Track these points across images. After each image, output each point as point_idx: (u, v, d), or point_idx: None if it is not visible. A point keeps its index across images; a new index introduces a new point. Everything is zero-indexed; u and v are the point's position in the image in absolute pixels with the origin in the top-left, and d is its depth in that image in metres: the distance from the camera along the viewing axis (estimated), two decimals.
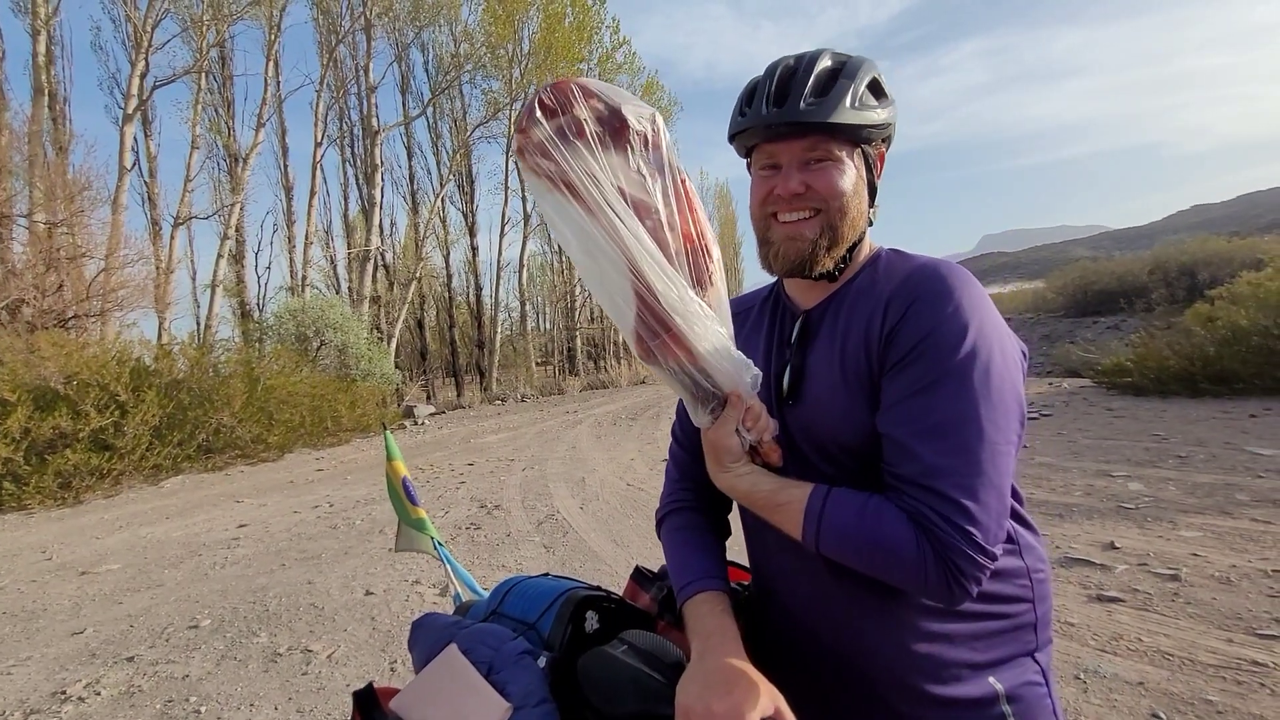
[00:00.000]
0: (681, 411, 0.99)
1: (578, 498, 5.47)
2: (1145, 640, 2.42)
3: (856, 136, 0.80)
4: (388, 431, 2.10)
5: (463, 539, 4.44)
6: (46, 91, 11.90)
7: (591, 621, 0.83)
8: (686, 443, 0.99)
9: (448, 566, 1.75)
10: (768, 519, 0.78)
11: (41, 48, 11.89)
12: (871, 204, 0.85)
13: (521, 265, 22.37)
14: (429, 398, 18.37)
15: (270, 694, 2.53)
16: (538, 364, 24.49)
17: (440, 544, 1.86)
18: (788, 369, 0.86)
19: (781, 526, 0.77)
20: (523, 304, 23.69)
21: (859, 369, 0.77)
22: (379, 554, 4.27)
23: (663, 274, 0.71)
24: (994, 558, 0.67)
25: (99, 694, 2.61)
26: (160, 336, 12.20)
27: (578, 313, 24.83)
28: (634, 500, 5.19)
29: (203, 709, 2.44)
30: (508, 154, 20.92)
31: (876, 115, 0.81)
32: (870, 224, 0.87)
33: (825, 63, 0.81)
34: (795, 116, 0.78)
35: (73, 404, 7.42)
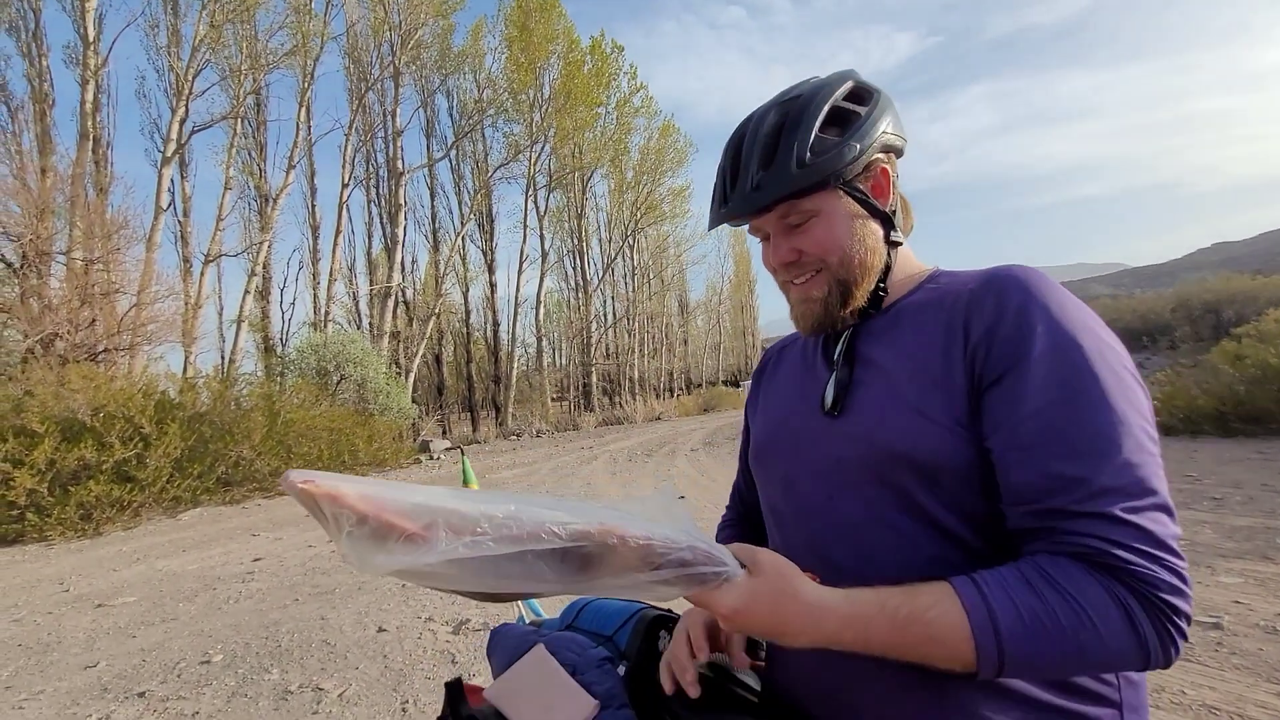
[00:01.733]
0: (743, 442, 1.02)
1: None
2: (1190, 694, 2.30)
3: (824, 185, 0.74)
4: (465, 457, 2.14)
5: None
6: (91, 136, 12.49)
7: (664, 640, 0.87)
8: (746, 475, 1.01)
9: None
10: (906, 655, 0.57)
11: (89, 96, 12.54)
12: (889, 226, 0.78)
13: (539, 302, 22.73)
14: (445, 433, 18.44)
15: None
16: (553, 399, 24.56)
17: None
18: (831, 382, 0.77)
19: (924, 657, 0.57)
20: (539, 340, 23.94)
21: (933, 373, 0.67)
22: (392, 590, 4.23)
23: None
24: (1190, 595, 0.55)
25: None
26: (185, 370, 12.46)
27: (594, 349, 24.98)
28: None
29: None
30: (527, 194, 21.46)
31: (841, 154, 0.73)
32: (898, 243, 0.80)
33: (771, 120, 0.75)
34: (746, 206, 0.75)
35: (99, 435, 7.55)
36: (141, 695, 2.89)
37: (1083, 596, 0.53)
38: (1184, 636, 0.54)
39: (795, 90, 0.78)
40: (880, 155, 0.77)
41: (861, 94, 0.78)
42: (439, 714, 0.79)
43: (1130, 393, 0.59)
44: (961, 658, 0.55)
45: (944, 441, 0.64)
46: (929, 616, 0.56)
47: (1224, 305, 15.48)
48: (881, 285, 0.78)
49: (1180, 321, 16.22)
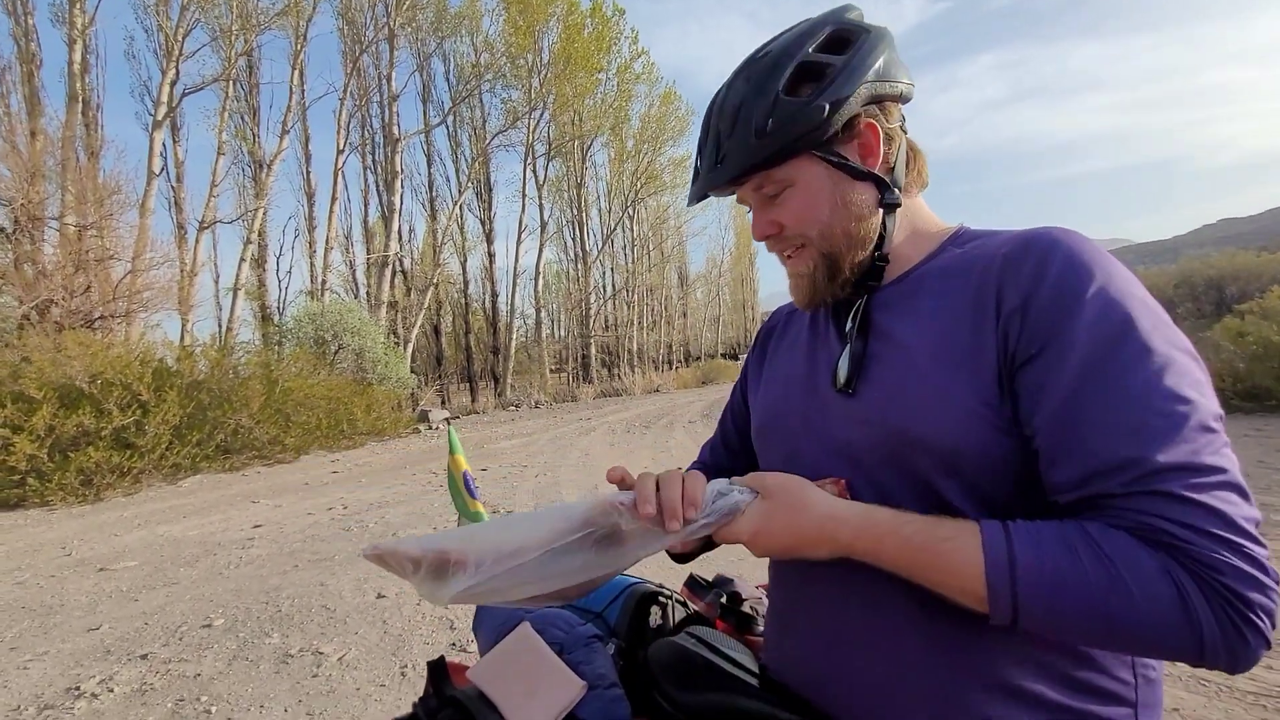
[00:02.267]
0: (733, 400, 0.98)
1: None
2: (1180, 664, 2.33)
3: (794, 154, 0.67)
4: (451, 428, 2.13)
5: None
6: (80, 98, 12.22)
7: (655, 616, 0.87)
8: (728, 437, 0.97)
9: None
10: (917, 577, 0.56)
11: (77, 56, 12.23)
12: (884, 187, 0.70)
13: (538, 272, 22.53)
14: (444, 403, 18.49)
15: (281, 695, 2.52)
16: (552, 371, 24.58)
17: None
18: (844, 356, 0.71)
19: (936, 585, 0.55)
20: (538, 311, 23.82)
21: (959, 348, 0.61)
22: None
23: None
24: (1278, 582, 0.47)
25: (112, 691, 2.62)
26: (182, 338, 12.42)
27: (592, 320, 24.90)
28: None
29: (213, 709, 2.44)
30: (526, 162, 21.13)
31: (808, 116, 0.65)
32: (896, 206, 0.71)
33: (737, 86, 0.70)
34: (711, 183, 0.72)
35: (96, 402, 7.55)
36: (144, 657, 2.93)
37: (1124, 561, 0.48)
38: (1261, 635, 0.46)
39: (765, 47, 0.71)
40: (865, 109, 0.68)
41: (841, 40, 0.69)
42: (421, 694, 0.77)
43: (1187, 367, 0.53)
44: (973, 593, 0.52)
45: (967, 425, 0.58)
46: (944, 547, 0.54)
47: (1227, 282, 15.41)
48: (879, 254, 0.71)
49: (1183, 298, 16.15)
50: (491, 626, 0.86)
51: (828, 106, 0.66)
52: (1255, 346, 7.70)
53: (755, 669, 0.77)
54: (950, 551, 0.53)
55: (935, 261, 0.70)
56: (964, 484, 0.59)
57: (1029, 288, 0.58)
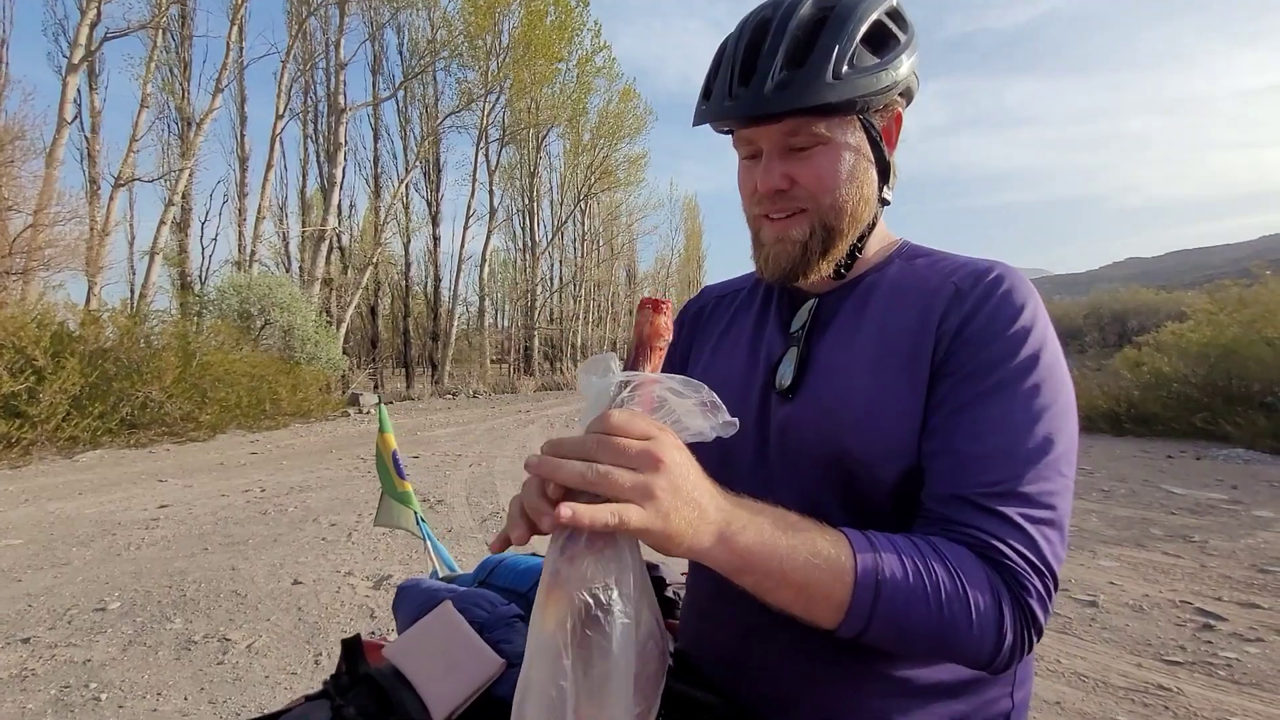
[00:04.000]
0: None
1: None
2: (1064, 662, 2.53)
3: (849, 110, 0.64)
4: (382, 405, 2.07)
5: (399, 533, 4.30)
6: None
7: None
8: None
9: (428, 542, 1.77)
10: (766, 595, 0.52)
11: None
12: (885, 181, 0.70)
13: (484, 260, 22.04)
14: (377, 387, 17.85)
15: (180, 683, 2.38)
16: (492, 361, 24.12)
17: (422, 519, 1.88)
18: (789, 357, 0.70)
19: (792, 605, 0.52)
20: (481, 299, 23.31)
21: (899, 363, 0.63)
22: (311, 543, 4.09)
23: None
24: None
25: None
26: (89, 301, 11.47)
27: (537, 312, 24.60)
28: None
29: (103, 695, 2.28)
30: (478, 146, 20.64)
31: (877, 80, 0.63)
32: (884, 203, 0.71)
33: (806, 11, 0.63)
34: (759, 108, 0.62)
35: None
36: (26, 641, 2.70)
37: (967, 574, 0.53)
38: (1029, 650, 0.55)
39: None
40: (899, 98, 0.68)
41: (899, 19, 0.67)
42: (333, 671, 0.76)
43: (1069, 417, 0.59)
44: (836, 610, 0.51)
45: (900, 437, 0.61)
46: (818, 550, 0.51)
47: (1130, 315, 16.78)
48: (859, 245, 0.70)
49: (1090, 328, 17.46)
50: (411, 606, 0.84)
51: (893, 77, 0.64)
52: (1149, 376, 8.42)
53: (671, 649, 0.78)
54: (817, 566, 0.51)
55: (884, 272, 0.71)
56: (884, 489, 0.62)
57: (968, 315, 0.62)
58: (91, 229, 12.05)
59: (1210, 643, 2.64)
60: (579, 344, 27.75)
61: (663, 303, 0.54)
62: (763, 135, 0.66)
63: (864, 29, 0.63)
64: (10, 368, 7.04)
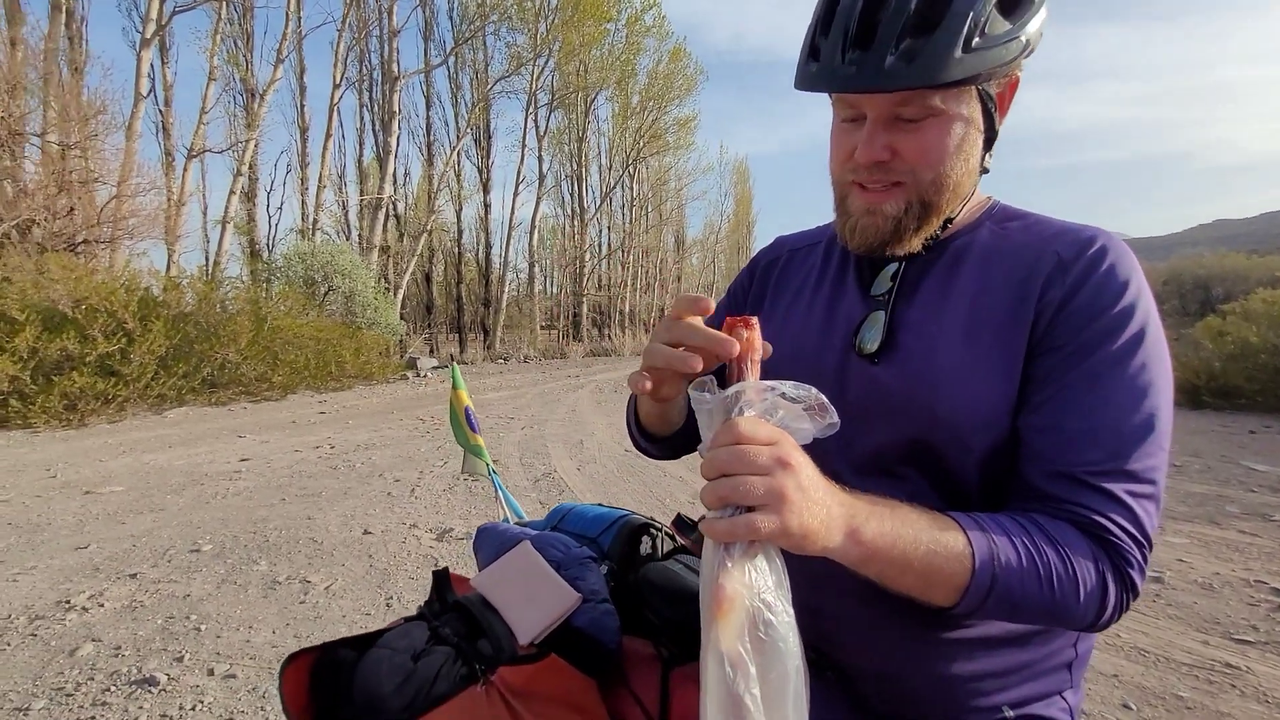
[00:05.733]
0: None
1: (575, 459, 5.53)
2: (1123, 636, 2.48)
3: (972, 82, 0.59)
4: (455, 364, 2.22)
5: (460, 489, 4.51)
6: (64, 9, 11.67)
7: (645, 545, 0.92)
8: None
9: (499, 492, 1.90)
10: (890, 583, 0.54)
11: None
12: (989, 149, 0.66)
13: (533, 227, 22.23)
14: (432, 351, 18.45)
15: (269, 618, 2.60)
16: (542, 327, 24.53)
17: (494, 471, 2.01)
18: (873, 321, 0.68)
19: (913, 589, 0.54)
20: (531, 266, 23.58)
21: (995, 331, 0.62)
22: (378, 496, 4.34)
23: None
24: None
25: (102, 606, 2.69)
26: (169, 268, 12.20)
27: (586, 279, 24.75)
28: (631, 466, 5.25)
29: (203, 627, 2.52)
30: (527, 111, 20.60)
31: (1007, 50, 0.58)
32: (984, 172, 0.68)
33: None
34: (880, 81, 0.57)
35: (80, 328, 7.47)
36: (133, 576, 3.00)
37: (1073, 551, 0.55)
38: (1126, 610, 0.59)
39: None
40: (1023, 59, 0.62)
41: None
42: (425, 599, 0.83)
43: (1167, 393, 0.60)
44: (954, 592, 0.54)
45: (992, 405, 0.60)
46: (941, 541, 0.54)
47: (1214, 282, 15.62)
48: (952, 216, 0.67)
49: (1170, 295, 16.36)
50: (491, 546, 0.92)
51: (1024, 43, 0.59)
52: (1233, 347, 7.87)
53: None
54: (939, 554, 0.53)
55: (975, 235, 0.68)
56: (969, 459, 0.61)
57: (1072, 289, 0.61)
58: (169, 199, 12.74)
59: None
60: (627, 310, 27.83)
61: (752, 319, 0.55)
62: (870, 102, 0.62)
63: None
64: (104, 330, 7.61)
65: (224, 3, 14.32)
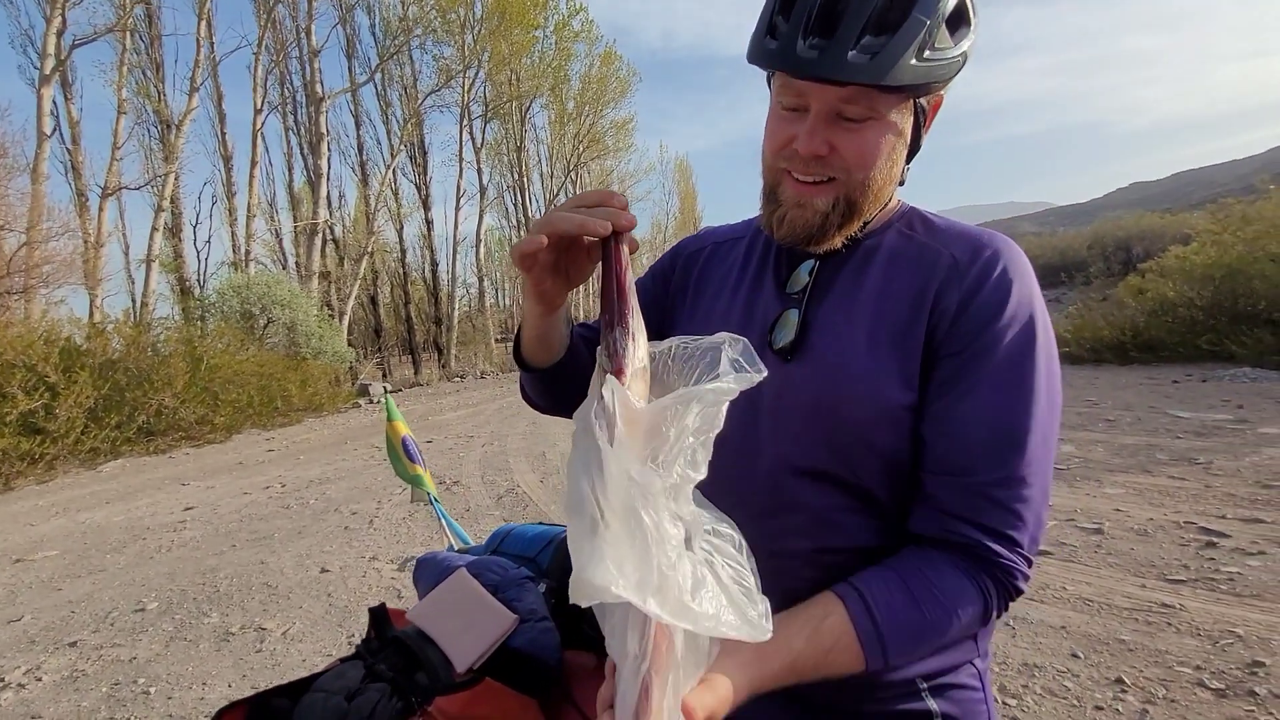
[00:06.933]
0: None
1: (538, 471, 5.48)
2: (1069, 589, 2.60)
3: (915, 92, 0.62)
4: (388, 395, 2.17)
5: (420, 517, 4.41)
6: None
7: None
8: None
9: (443, 520, 1.89)
10: (808, 679, 0.57)
11: None
12: (908, 163, 0.69)
13: (479, 240, 21.92)
14: (385, 376, 18.00)
15: (223, 672, 2.50)
16: (497, 340, 24.18)
17: (436, 500, 1.99)
18: (786, 319, 0.69)
19: (829, 673, 0.57)
20: (480, 279, 23.26)
21: (896, 331, 0.64)
22: (334, 532, 4.21)
23: None
24: None
25: (40, 680, 2.53)
26: (92, 314, 11.54)
27: None
28: None
29: (152, 689, 2.40)
30: (462, 124, 20.31)
31: (949, 66, 0.61)
32: (901, 183, 0.70)
33: None
34: (837, 72, 0.57)
35: None
36: (73, 645, 2.83)
37: (957, 601, 0.58)
38: (1009, 605, 0.62)
39: None
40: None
41: (970, 6, 0.64)
42: (363, 637, 0.81)
43: (1055, 398, 0.62)
44: (858, 664, 0.58)
45: (891, 405, 0.63)
46: (830, 659, 0.57)
47: (1134, 242, 16.50)
48: (868, 219, 0.70)
49: (1095, 258, 17.21)
50: (430, 575, 0.90)
51: (961, 61, 0.61)
52: (1152, 302, 8.37)
53: None
54: (832, 646, 0.57)
55: (883, 237, 0.70)
56: (873, 453, 0.64)
57: (967, 295, 0.63)
58: (85, 242, 12.06)
59: (1213, 559, 2.70)
60: (582, 316, 27.71)
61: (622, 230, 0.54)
62: (818, 94, 0.61)
63: (952, 6, 0.59)
64: (24, 386, 7.15)
65: (128, 33, 13.65)
